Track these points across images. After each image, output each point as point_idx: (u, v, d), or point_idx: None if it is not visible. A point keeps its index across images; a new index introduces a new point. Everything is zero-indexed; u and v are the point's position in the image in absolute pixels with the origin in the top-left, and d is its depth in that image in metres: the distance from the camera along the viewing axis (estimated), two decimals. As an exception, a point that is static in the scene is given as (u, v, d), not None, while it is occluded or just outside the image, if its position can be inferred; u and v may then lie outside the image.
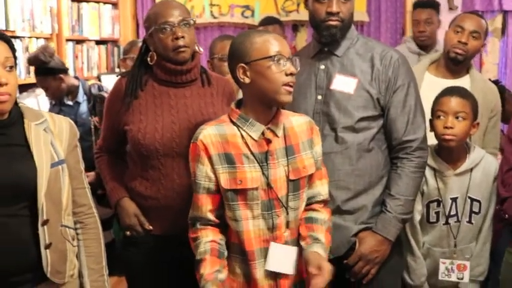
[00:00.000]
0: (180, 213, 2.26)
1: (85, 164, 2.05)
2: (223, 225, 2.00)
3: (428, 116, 2.47)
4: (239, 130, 1.95)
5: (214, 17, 5.64)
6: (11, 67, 1.80)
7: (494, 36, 5.16)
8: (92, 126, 3.71)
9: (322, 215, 2.08)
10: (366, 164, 2.31)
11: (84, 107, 3.82)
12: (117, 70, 5.48)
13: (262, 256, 1.96)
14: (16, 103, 1.88)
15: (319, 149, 2.10)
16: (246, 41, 1.94)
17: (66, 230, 1.92)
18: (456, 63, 2.91)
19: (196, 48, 2.36)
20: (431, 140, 2.47)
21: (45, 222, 1.81)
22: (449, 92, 2.49)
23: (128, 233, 2.36)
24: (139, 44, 2.53)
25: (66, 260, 1.91)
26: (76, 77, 4.04)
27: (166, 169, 2.29)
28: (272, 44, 1.91)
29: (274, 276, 1.96)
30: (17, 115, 1.87)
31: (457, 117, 2.43)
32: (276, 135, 1.98)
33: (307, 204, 2.09)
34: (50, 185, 1.83)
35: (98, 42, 5.38)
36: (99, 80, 4.91)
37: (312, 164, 2.04)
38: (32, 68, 3.93)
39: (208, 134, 1.93)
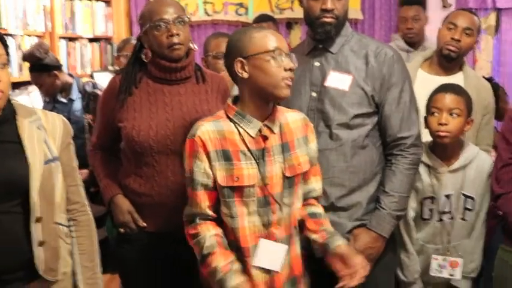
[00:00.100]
0: (174, 211, 2.25)
1: (78, 161, 2.04)
2: (220, 221, 2.00)
3: (422, 113, 2.48)
4: (236, 127, 1.94)
5: (208, 15, 5.63)
6: (3, 64, 1.79)
7: (488, 33, 5.18)
8: (86, 124, 3.70)
9: (321, 209, 2.12)
10: (361, 160, 2.31)
11: (78, 105, 3.81)
12: (110, 68, 5.45)
13: None
14: (9, 100, 1.87)
15: (314, 146, 2.11)
16: (244, 36, 1.94)
17: (59, 228, 1.91)
18: (449, 60, 2.92)
19: (191, 45, 2.35)
20: (426, 137, 2.48)
21: (38, 220, 1.80)
22: (443, 88, 2.50)
23: (122, 230, 2.36)
24: (133, 42, 2.53)
25: (59, 258, 1.90)
26: (70, 75, 4.02)
27: (160, 166, 2.28)
28: (271, 39, 1.92)
29: (268, 272, 1.96)
30: (9, 112, 1.86)
31: (451, 114, 2.43)
32: (273, 132, 1.97)
33: (304, 200, 2.11)
34: (43, 182, 1.82)
35: (91, 40, 5.36)
36: (92, 78, 4.90)
37: (306, 161, 2.05)
38: (25, 66, 3.91)
39: (206, 130, 1.91)
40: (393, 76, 2.33)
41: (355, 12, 5.36)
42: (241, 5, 5.60)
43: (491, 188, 2.43)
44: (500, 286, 2.38)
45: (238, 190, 1.92)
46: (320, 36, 2.34)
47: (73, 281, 1.97)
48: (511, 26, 5.17)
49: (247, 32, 1.96)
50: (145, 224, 2.33)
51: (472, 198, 2.48)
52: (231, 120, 1.95)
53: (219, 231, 1.96)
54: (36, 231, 1.80)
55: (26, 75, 4.15)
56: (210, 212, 1.96)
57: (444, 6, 5.15)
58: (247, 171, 1.91)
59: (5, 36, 1.87)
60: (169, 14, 2.24)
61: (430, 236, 2.52)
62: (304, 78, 2.37)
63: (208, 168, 1.91)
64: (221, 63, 3.01)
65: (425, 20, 4.32)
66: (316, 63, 2.38)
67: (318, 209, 2.12)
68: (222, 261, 1.89)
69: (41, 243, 1.81)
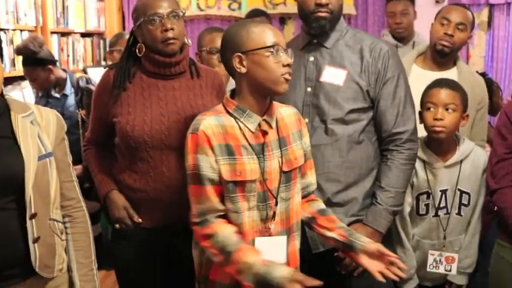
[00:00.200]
0: (169, 206, 2.25)
1: (72, 157, 2.02)
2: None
3: (417, 108, 2.47)
4: (236, 121, 1.92)
5: (201, 10, 5.61)
6: None
7: (481, 29, 5.19)
8: (79, 119, 3.68)
9: (324, 205, 2.14)
10: (356, 156, 2.31)
11: (71, 100, 3.79)
12: (103, 63, 5.44)
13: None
14: (2, 95, 1.85)
15: (307, 140, 2.11)
16: (242, 31, 1.92)
17: (54, 224, 1.89)
18: (443, 56, 2.92)
19: (185, 40, 2.33)
20: (421, 132, 2.48)
21: (33, 216, 1.79)
22: (439, 83, 2.50)
23: (117, 225, 2.34)
24: (126, 36, 2.51)
25: (55, 254, 1.88)
26: (64, 70, 3.99)
27: (155, 161, 2.26)
28: (270, 34, 1.90)
29: None
30: (3, 107, 1.84)
31: (446, 109, 2.43)
32: (271, 127, 1.97)
33: (304, 196, 2.12)
34: (37, 178, 1.80)
35: (84, 35, 5.33)
36: (85, 73, 4.87)
37: (301, 155, 2.05)
38: (18, 61, 3.88)
39: (209, 124, 1.88)
40: (388, 71, 2.32)
41: (348, 7, 5.35)
42: (234, 0, 5.58)
43: (486, 183, 2.44)
44: (496, 281, 2.39)
45: (241, 185, 1.90)
46: (315, 31, 2.33)
47: (69, 278, 1.96)
48: (504, 21, 5.18)
49: (245, 26, 1.93)
50: (140, 220, 2.32)
51: (467, 193, 2.49)
52: (230, 114, 1.94)
53: (235, 227, 1.91)
54: (32, 228, 1.78)
55: (19, 70, 4.12)
56: (222, 206, 1.91)
57: (437, 2, 5.14)
58: (250, 166, 1.90)
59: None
60: (164, 8, 2.22)
61: (426, 231, 2.52)
62: (299, 73, 2.37)
63: (214, 162, 1.87)
64: (215, 58, 3.00)
65: (414, 15, 4.32)
66: (311, 58, 2.37)
67: (322, 204, 2.14)
68: (255, 255, 1.83)
69: (36, 240, 1.79)
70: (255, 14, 4.53)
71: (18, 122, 1.83)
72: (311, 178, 2.14)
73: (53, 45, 4.78)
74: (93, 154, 2.46)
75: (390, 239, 2.44)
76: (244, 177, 1.89)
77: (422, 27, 4.08)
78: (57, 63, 3.94)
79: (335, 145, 2.29)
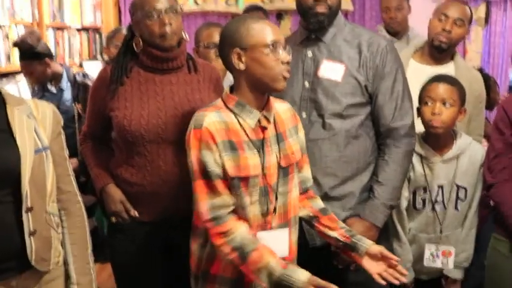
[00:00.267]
0: (166, 200, 2.25)
1: (68, 151, 2.02)
2: None
3: (414, 103, 2.47)
4: (236, 117, 1.91)
5: (198, 5, 5.61)
6: None
7: (478, 25, 5.19)
8: (75, 114, 3.67)
9: (323, 203, 2.16)
10: (354, 150, 2.30)
11: (67, 94, 3.78)
12: (99, 58, 5.42)
13: None
14: (-2, 89, 1.85)
15: (302, 135, 2.12)
16: (241, 27, 1.90)
17: (50, 217, 1.88)
18: (440, 51, 2.92)
19: (183, 35, 2.33)
20: (419, 127, 2.47)
21: (29, 209, 1.78)
22: (437, 78, 2.50)
23: (114, 219, 2.34)
24: (123, 31, 2.50)
25: (51, 248, 1.87)
26: (60, 64, 3.99)
27: (152, 156, 2.26)
28: (269, 31, 1.89)
29: None
30: (-2, 100, 1.83)
31: (444, 104, 2.43)
32: (269, 122, 1.96)
33: (303, 192, 2.13)
34: (34, 171, 1.79)
35: (80, 30, 5.31)
36: (82, 68, 4.86)
37: (298, 150, 2.06)
38: (13, 56, 3.87)
39: (212, 121, 1.86)
40: (386, 66, 2.32)
41: (345, 2, 5.35)
42: (231, -5, 5.59)
43: (483, 177, 2.44)
44: (492, 275, 2.40)
45: (245, 180, 1.89)
46: (313, 26, 2.33)
47: (65, 271, 1.95)
48: (501, 17, 5.19)
49: (245, 23, 1.91)
50: (137, 214, 2.31)
51: (464, 188, 2.49)
52: (230, 110, 1.92)
53: (246, 224, 1.91)
54: (28, 221, 1.77)
55: (14, 65, 4.11)
56: (233, 200, 1.89)
57: (432, -5, 5.14)
58: (252, 161, 1.89)
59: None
60: (161, 3, 2.21)
61: (422, 225, 2.53)
62: (297, 68, 2.36)
63: (218, 158, 1.85)
64: (212, 53, 2.98)
65: (408, 10, 4.31)
66: (309, 53, 2.37)
67: (321, 202, 2.16)
68: (272, 257, 1.84)
69: (32, 233, 1.78)
70: (252, 10, 4.53)
71: (14, 115, 1.82)
72: (307, 172, 2.15)
73: (49, 40, 4.76)
74: (90, 148, 2.46)
75: (387, 233, 2.44)
76: (248, 173, 1.88)
77: (417, 21, 4.08)
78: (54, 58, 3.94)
79: (333, 140, 2.29)
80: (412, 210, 2.52)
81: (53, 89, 3.78)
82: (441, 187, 2.48)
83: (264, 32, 1.89)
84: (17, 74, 4.14)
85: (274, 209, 1.97)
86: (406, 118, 2.33)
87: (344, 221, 2.28)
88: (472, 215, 2.52)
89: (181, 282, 2.24)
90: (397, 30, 4.21)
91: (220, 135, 1.86)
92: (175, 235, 2.27)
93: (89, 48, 5.43)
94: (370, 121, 2.34)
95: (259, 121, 1.93)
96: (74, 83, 3.79)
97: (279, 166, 1.97)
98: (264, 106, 1.96)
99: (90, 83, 3.35)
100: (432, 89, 2.46)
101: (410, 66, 2.95)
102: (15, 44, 3.67)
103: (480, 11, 5.18)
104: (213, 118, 1.87)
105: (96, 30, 5.59)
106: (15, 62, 4.12)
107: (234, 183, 1.88)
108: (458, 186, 2.48)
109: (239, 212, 1.91)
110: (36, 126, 1.85)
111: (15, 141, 1.78)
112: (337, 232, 2.06)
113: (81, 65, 4.99)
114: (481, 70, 3.39)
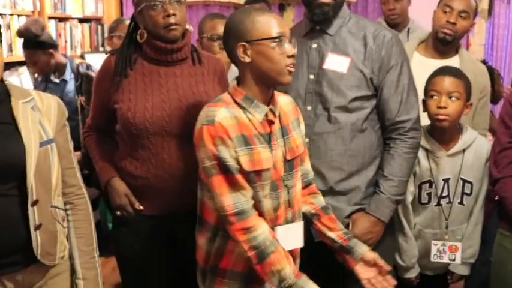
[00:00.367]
0: (171, 193, 2.24)
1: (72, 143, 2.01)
2: None
3: (419, 96, 2.46)
4: (244, 111, 1.90)
5: (200, -5, 5.58)
6: None
7: (481, 17, 5.17)
8: (78, 106, 3.65)
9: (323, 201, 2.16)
10: (359, 144, 2.29)
11: (71, 86, 3.77)
12: (101, 49, 5.40)
13: None
14: (2, 81, 1.83)
15: (303, 127, 2.12)
16: (246, 19, 1.88)
17: (56, 211, 1.88)
18: (445, 44, 2.90)
19: (187, 26, 2.31)
20: (424, 121, 2.46)
21: (34, 203, 1.77)
22: (442, 71, 2.48)
23: (118, 213, 2.33)
24: (126, 22, 2.48)
25: (57, 242, 1.87)
26: (64, 55, 3.97)
27: (156, 148, 2.25)
28: (275, 24, 1.87)
29: None
30: (3, 93, 1.82)
31: (450, 97, 2.42)
32: (275, 116, 1.95)
33: (305, 186, 2.12)
34: (39, 164, 1.78)
35: (81, 21, 5.29)
36: (83, 59, 4.84)
37: (301, 143, 2.05)
38: (15, 46, 3.85)
39: (224, 116, 1.83)
40: (392, 59, 2.30)
41: (348, -6, 5.33)
42: (233, -15, 5.56)
43: (489, 172, 2.43)
44: (499, 270, 2.38)
45: (258, 174, 1.88)
46: (318, 17, 2.31)
47: (70, 265, 1.95)
48: (504, 9, 5.17)
49: (250, 15, 1.89)
50: (142, 207, 2.30)
51: (470, 182, 2.48)
52: (238, 104, 1.90)
53: (266, 222, 1.90)
54: (33, 215, 1.77)
55: (16, 56, 4.09)
56: (252, 193, 1.88)
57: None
58: (265, 154, 1.88)
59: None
60: None
61: (428, 220, 2.52)
62: (302, 60, 2.34)
63: (234, 152, 1.83)
64: (216, 45, 2.95)
65: (408, 1, 4.27)
66: (314, 45, 2.35)
67: (323, 199, 2.16)
68: (287, 264, 1.84)
69: (37, 227, 1.78)
70: (255, 1, 4.50)
71: (18, 108, 1.80)
72: (308, 165, 2.16)
73: (51, 30, 4.74)
74: (94, 140, 2.44)
75: (392, 227, 2.43)
76: (261, 166, 1.87)
77: (418, 13, 4.05)
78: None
79: (338, 133, 2.28)
80: (417, 205, 2.51)
81: (56, 80, 3.77)
82: (447, 181, 2.47)
83: (269, 24, 1.87)
84: (19, 65, 4.12)
85: (284, 203, 1.96)
86: (411, 112, 2.31)
87: (349, 215, 2.28)
88: (478, 210, 2.51)
89: (186, 276, 2.24)
90: (397, 22, 4.15)
91: (234, 130, 1.84)
92: (179, 229, 2.27)
93: (90, 39, 5.40)
94: (375, 115, 2.33)
95: (266, 115, 1.92)
96: (76, 74, 3.77)
97: (285, 159, 1.96)
98: (269, 100, 1.94)
99: (93, 75, 3.33)
100: (438, 82, 2.44)
101: (414, 59, 2.94)
102: (19, 32, 3.64)
103: (483, 3, 5.16)
104: (224, 113, 1.84)
105: (98, 20, 5.56)
106: (18, 53, 4.10)
107: (250, 178, 1.87)
108: (464, 181, 2.47)
109: (256, 206, 1.90)
110: (41, 118, 1.85)
111: (20, 134, 1.77)
112: (335, 233, 2.08)
113: (82, 57, 4.97)
114: (484, 63, 3.37)
